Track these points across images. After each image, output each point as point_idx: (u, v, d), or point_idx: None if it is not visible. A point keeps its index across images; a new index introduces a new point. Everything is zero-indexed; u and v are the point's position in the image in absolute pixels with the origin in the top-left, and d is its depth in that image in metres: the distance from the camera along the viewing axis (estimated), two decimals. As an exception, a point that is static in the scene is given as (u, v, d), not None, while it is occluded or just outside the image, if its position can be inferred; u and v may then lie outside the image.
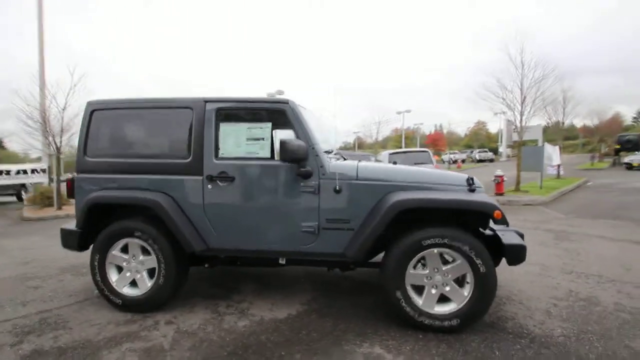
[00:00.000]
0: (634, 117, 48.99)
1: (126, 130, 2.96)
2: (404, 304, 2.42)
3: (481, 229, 2.73)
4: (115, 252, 2.82)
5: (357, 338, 2.37)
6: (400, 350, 2.20)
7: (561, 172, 14.27)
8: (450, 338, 2.34)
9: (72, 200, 3.10)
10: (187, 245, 2.70)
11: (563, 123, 18.08)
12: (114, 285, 2.83)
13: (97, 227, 2.90)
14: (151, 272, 2.82)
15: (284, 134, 2.65)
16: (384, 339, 2.34)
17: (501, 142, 38.50)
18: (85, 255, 2.96)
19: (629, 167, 18.19)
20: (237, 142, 2.78)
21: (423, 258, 2.46)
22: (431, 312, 2.42)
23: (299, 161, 2.56)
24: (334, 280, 3.49)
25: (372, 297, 3.05)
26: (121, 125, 2.96)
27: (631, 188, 10.83)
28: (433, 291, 2.45)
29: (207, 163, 2.73)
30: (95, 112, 2.94)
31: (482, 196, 2.53)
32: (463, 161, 33.78)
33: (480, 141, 47.03)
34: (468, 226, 2.58)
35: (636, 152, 20.67)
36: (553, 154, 13.48)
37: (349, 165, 2.71)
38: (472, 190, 2.60)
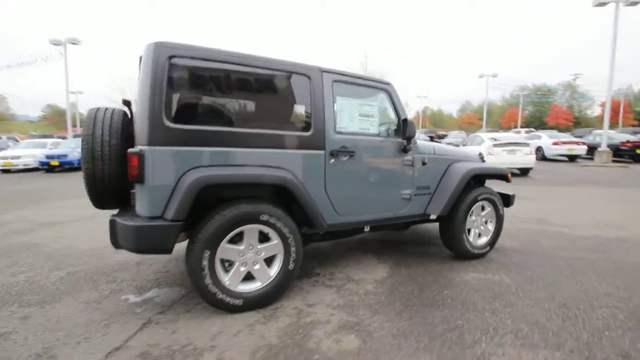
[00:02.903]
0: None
1: (229, 91, 2.32)
2: (465, 243, 3.40)
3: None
4: (225, 244, 2.27)
5: (451, 271, 3.16)
6: (480, 270, 3.19)
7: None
8: (485, 259, 3.53)
9: None
10: (318, 224, 2.57)
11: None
12: (227, 285, 2.29)
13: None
14: (267, 260, 2.47)
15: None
16: (464, 267, 3.25)
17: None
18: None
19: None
20: (351, 117, 2.82)
21: (472, 209, 3.50)
22: (477, 244, 3.53)
23: (411, 139, 2.97)
24: (368, 244, 4.01)
25: (412, 249, 3.86)
26: (221, 84, 2.30)
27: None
28: (476, 231, 3.56)
29: (329, 137, 2.64)
30: (174, 59, 2.13)
31: (497, 165, 3.82)
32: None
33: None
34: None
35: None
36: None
37: (427, 143, 3.34)
38: (483, 161, 3.85)
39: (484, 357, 1.91)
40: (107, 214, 2.39)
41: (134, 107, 2.90)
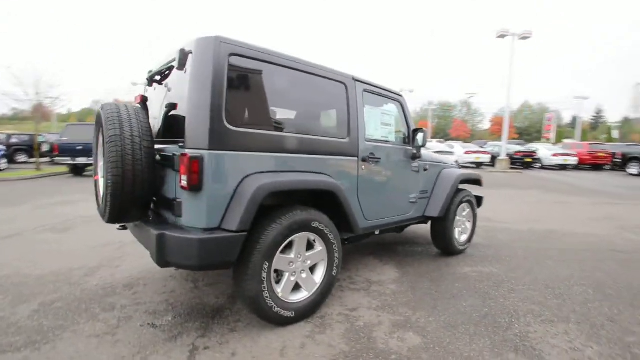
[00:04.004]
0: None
1: (283, 94, 2.23)
2: (454, 240, 3.83)
3: None
4: (279, 254, 2.17)
5: (449, 267, 3.52)
6: (470, 264, 3.63)
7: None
8: (467, 254, 4.02)
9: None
10: (356, 229, 2.63)
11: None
12: (280, 296, 2.19)
13: None
14: (311, 268, 2.43)
15: None
16: (456, 263, 3.65)
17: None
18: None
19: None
20: (375, 125, 2.95)
21: (457, 210, 3.95)
22: (461, 242, 3.99)
23: (422, 147, 3.24)
24: (364, 247, 4.16)
25: (402, 249, 4.15)
26: (276, 86, 2.20)
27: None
28: (459, 229, 4.02)
29: (361, 144, 2.73)
30: (233, 57, 1.98)
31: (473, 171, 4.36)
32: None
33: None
34: None
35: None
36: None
37: (424, 152, 3.66)
38: (459, 168, 4.37)
39: (524, 335, 2.23)
40: (37, 231, 2.06)
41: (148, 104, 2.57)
